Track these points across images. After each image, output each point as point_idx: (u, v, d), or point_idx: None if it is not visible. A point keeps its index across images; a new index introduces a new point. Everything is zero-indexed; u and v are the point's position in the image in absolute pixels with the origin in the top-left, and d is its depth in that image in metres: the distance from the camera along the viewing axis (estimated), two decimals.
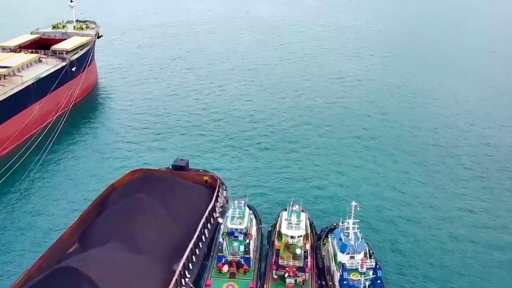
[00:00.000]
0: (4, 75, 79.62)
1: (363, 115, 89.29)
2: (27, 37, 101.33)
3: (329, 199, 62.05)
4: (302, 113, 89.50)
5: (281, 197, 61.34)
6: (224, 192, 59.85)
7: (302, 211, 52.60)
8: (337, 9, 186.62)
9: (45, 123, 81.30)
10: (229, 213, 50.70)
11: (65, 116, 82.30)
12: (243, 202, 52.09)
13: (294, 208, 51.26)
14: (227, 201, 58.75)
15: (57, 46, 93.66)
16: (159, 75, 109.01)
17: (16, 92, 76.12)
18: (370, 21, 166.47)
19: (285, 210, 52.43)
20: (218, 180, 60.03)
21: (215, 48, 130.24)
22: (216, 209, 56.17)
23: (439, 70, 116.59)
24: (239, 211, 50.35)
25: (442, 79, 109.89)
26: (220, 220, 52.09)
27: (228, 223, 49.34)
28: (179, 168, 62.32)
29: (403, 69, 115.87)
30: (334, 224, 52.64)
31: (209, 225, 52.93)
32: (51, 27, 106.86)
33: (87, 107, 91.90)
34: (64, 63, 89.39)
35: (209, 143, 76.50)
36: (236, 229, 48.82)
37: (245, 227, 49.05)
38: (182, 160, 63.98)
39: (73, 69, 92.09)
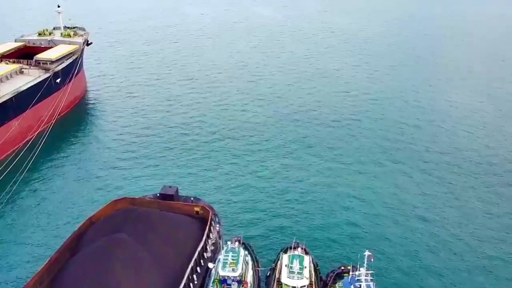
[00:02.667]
0: None
1: (375, 135, 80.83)
2: (11, 45, 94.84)
3: (337, 236, 54.59)
4: (306, 133, 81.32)
5: (281, 233, 54.46)
6: (217, 225, 52.98)
7: (306, 253, 45.95)
8: (341, 14, 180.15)
9: (24, 141, 74.73)
10: (221, 257, 44.12)
11: (46, 133, 75.53)
12: (237, 243, 45.56)
13: (296, 251, 44.57)
14: (220, 237, 52.09)
15: (41, 56, 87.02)
16: (153, 86, 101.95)
17: None
18: (377, 27, 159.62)
19: (285, 252, 45.80)
20: (210, 211, 53.09)
21: (213, 56, 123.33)
22: (208, 247, 49.29)
23: (456, 80, 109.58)
24: (232, 255, 43.78)
25: (459, 91, 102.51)
26: (210, 265, 45.35)
27: (220, 269, 42.77)
28: (167, 197, 55.50)
29: (416, 81, 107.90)
30: (342, 267, 45.88)
31: (198, 268, 46.02)
32: (37, 34, 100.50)
33: (72, 122, 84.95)
34: (47, 75, 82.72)
35: (202, 167, 69.04)
36: (229, 277, 42.30)
37: (240, 274, 42.46)
38: (170, 187, 57.16)
39: (58, 80, 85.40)
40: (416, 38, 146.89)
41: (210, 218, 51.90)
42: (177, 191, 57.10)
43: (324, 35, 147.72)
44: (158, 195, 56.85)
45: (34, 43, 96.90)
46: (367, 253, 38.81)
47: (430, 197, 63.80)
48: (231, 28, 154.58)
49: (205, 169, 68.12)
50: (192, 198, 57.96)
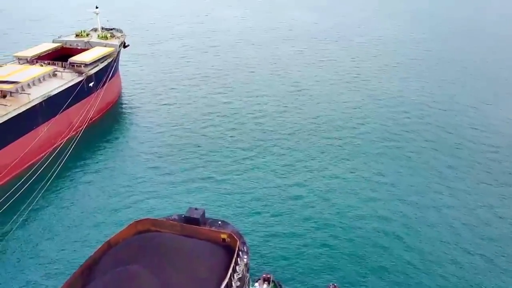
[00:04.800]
0: (11, 92, 70.91)
1: (431, 159, 71.93)
2: (48, 46, 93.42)
3: (384, 283, 47.95)
4: (353, 154, 72.76)
5: (318, 272, 48.04)
6: (245, 257, 47.67)
7: None
8: (388, 20, 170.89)
9: (52, 147, 72.20)
10: None
11: (75, 140, 72.80)
12: (265, 284, 40.18)
13: None
14: (247, 269, 46.83)
15: (75, 58, 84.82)
16: (189, 95, 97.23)
17: (19, 114, 67.10)
18: (427, 33, 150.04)
19: None
20: (238, 241, 47.83)
21: (252, 64, 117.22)
22: (233, 283, 44.14)
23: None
24: None
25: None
26: None
27: None
28: (192, 220, 50.79)
29: (473, 98, 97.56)
30: None
31: None
32: (75, 35, 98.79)
33: (102, 129, 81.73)
34: (80, 78, 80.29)
35: (234, 187, 63.16)
36: None
37: None
38: (196, 209, 52.38)
39: (91, 84, 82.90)
40: (474, 48, 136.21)
41: (237, 248, 46.89)
42: (203, 213, 52.38)
43: (370, 43, 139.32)
44: (183, 216, 52.68)
45: (71, 45, 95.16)
46: None
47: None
48: (271, 34, 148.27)
49: (238, 190, 62.50)
50: (219, 222, 53.06)
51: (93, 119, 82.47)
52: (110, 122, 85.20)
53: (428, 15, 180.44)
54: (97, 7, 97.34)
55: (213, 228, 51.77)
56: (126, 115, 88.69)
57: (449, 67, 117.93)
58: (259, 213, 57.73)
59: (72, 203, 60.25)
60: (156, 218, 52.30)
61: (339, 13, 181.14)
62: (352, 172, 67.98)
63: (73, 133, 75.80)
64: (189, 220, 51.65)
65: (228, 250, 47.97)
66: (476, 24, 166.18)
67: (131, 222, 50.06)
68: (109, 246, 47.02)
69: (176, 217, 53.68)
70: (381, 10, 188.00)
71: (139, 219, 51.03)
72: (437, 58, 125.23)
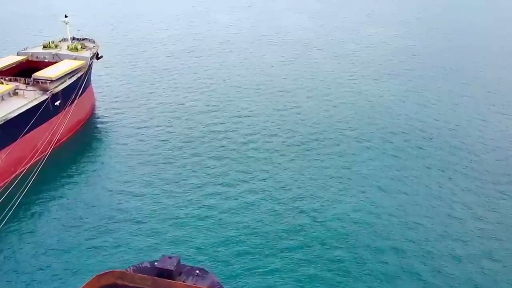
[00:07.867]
0: None
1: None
2: (12, 59, 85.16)
3: None
4: (352, 190, 62.64)
5: None
6: None
7: None
8: (383, 27, 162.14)
9: (13, 176, 64.32)
10: None
11: (39, 166, 64.56)
12: None
13: None
14: None
15: (40, 74, 76.73)
16: (174, 111, 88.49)
17: None
18: (427, 42, 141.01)
19: None
20: None
21: (240, 76, 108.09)
22: None
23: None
24: None
25: None
26: None
27: None
28: (165, 272, 43.51)
29: (477, 111, 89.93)
30: None
31: None
32: (42, 46, 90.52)
33: (71, 152, 73.15)
34: (44, 97, 72.20)
35: (216, 229, 54.61)
36: None
37: None
38: (170, 258, 45.00)
39: (57, 103, 74.88)
40: (479, 59, 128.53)
41: None
42: (178, 262, 44.96)
43: (363, 51, 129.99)
44: (155, 266, 45.44)
45: (37, 57, 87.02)
46: None
47: None
48: (261, 41, 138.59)
49: (220, 229, 54.14)
50: (197, 271, 45.81)
51: (61, 141, 74.47)
52: (80, 144, 76.77)
53: (427, 23, 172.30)
54: (66, 16, 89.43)
55: (190, 279, 44.64)
56: (99, 135, 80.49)
57: (450, 76, 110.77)
58: (244, 258, 49.93)
59: (25, 252, 50.88)
60: (123, 270, 44.94)
61: (333, 20, 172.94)
62: (357, 214, 57.38)
63: (37, 159, 67.81)
64: (161, 271, 44.34)
65: None
66: (482, 32, 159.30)
67: (93, 277, 42.51)
68: None
69: (148, 265, 46.29)
70: (376, 17, 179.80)
71: (102, 272, 43.56)
72: (437, 67, 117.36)
